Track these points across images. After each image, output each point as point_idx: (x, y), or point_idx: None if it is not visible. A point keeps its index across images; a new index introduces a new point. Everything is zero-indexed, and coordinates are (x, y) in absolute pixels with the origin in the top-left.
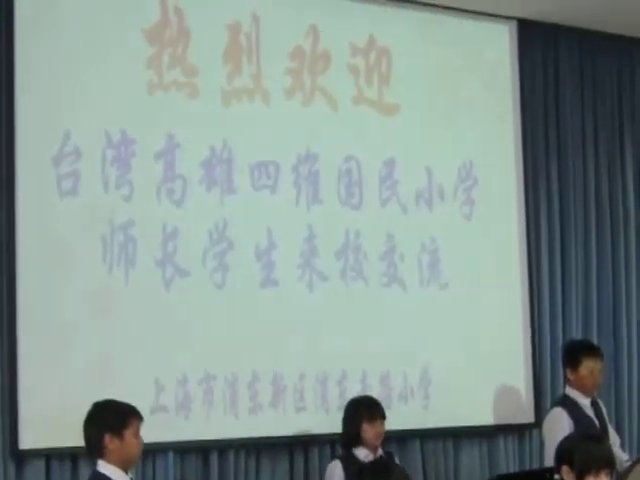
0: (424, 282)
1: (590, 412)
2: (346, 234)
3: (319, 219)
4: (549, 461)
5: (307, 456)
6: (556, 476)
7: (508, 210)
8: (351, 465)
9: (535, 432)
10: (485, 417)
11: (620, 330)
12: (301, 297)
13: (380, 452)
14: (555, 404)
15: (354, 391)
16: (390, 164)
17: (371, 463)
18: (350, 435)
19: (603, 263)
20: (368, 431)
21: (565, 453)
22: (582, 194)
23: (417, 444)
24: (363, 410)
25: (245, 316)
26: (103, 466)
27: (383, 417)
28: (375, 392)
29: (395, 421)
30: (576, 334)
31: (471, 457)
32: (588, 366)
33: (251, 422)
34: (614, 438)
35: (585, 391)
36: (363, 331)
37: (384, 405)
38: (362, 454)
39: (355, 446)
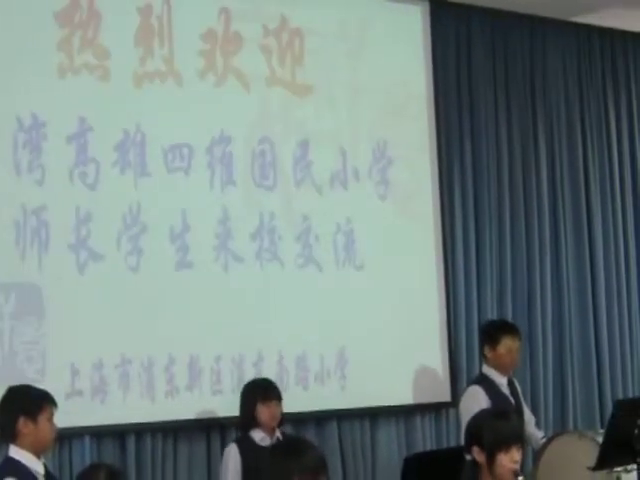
0: (340, 263)
1: (506, 391)
2: (261, 216)
3: (233, 201)
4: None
5: (224, 439)
6: (467, 457)
7: (423, 190)
8: (247, 447)
9: (451, 411)
10: (402, 396)
11: (534, 310)
12: (216, 279)
13: (278, 434)
14: (472, 382)
15: (270, 373)
16: (304, 145)
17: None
18: (246, 417)
19: (517, 243)
20: (263, 412)
21: (473, 433)
22: (495, 173)
23: (334, 425)
24: (258, 391)
25: (160, 299)
26: (15, 451)
27: (279, 398)
28: (292, 374)
29: (312, 402)
30: (491, 315)
31: (388, 436)
32: (506, 345)
33: (168, 405)
34: (529, 417)
35: (502, 370)
36: (279, 312)
37: (301, 386)
38: (258, 436)
39: (251, 428)
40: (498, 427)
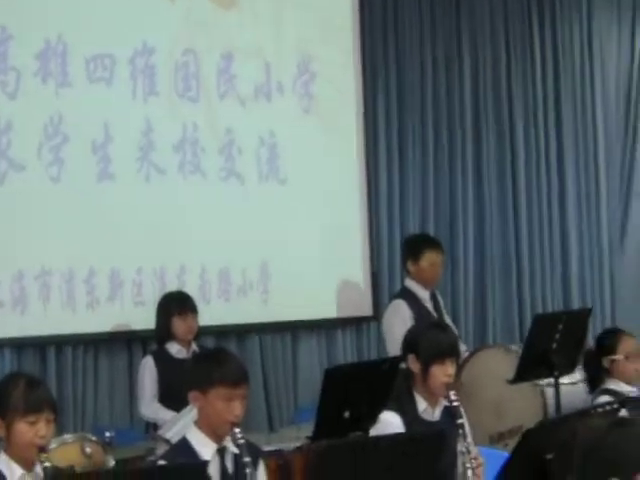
0: (263, 177)
1: (429, 305)
2: (184, 128)
3: (156, 112)
4: (389, 352)
5: (145, 351)
6: (402, 365)
7: (347, 106)
8: (163, 360)
9: (373, 325)
10: (323, 310)
11: (456, 226)
12: (138, 191)
13: (194, 347)
14: (395, 296)
15: (193, 285)
16: (228, 58)
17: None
18: (162, 330)
19: (440, 160)
20: (179, 325)
21: (411, 342)
22: (419, 91)
23: (256, 338)
24: (173, 305)
25: (81, 210)
26: None
27: (194, 311)
28: (214, 286)
29: (234, 315)
30: (413, 230)
31: (309, 350)
32: (429, 258)
33: (89, 317)
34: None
35: (425, 283)
36: (201, 225)
37: (223, 299)
38: (174, 349)
39: (167, 341)
40: (436, 339)
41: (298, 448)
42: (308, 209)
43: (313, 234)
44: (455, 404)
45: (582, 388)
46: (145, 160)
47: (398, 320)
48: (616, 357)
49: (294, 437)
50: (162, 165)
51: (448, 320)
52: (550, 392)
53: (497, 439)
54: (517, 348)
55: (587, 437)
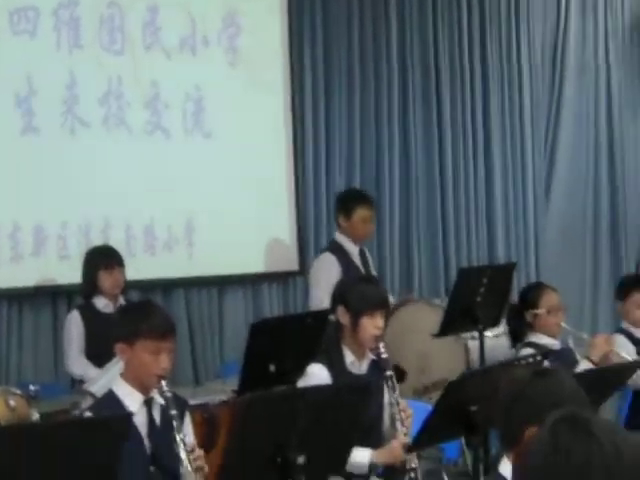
0: (188, 131)
1: (357, 260)
2: (109, 81)
3: (81, 65)
4: (314, 305)
5: (70, 306)
6: (331, 317)
7: (272, 59)
8: (90, 314)
9: (299, 280)
10: (249, 265)
11: (382, 180)
12: (63, 145)
13: (121, 301)
14: (324, 250)
15: (118, 240)
16: (153, 10)
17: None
18: (88, 284)
19: (366, 114)
20: (105, 280)
21: (341, 294)
22: (346, 43)
23: (181, 292)
24: (99, 259)
25: (5, 164)
26: None
27: (121, 265)
28: (139, 241)
29: (159, 270)
30: (340, 185)
31: (235, 304)
32: (361, 214)
33: (12, 272)
34: None
35: (355, 239)
36: (126, 179)
37: (148, 254)
38: (101, 303)
39: (94, 295)
40: (366, 291)
41: (224, 401)
42: (234, 163)
43: (239, 188)
44: (384, 356)
45: (505, 342)
46: (69, 113)
47: (325, 273)
48: (538, 311)
49: (220, 391)
50: (86, 119)
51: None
52: (473, 346)
53: (422, 392)
54: (440, 302)
55: (509, 387)
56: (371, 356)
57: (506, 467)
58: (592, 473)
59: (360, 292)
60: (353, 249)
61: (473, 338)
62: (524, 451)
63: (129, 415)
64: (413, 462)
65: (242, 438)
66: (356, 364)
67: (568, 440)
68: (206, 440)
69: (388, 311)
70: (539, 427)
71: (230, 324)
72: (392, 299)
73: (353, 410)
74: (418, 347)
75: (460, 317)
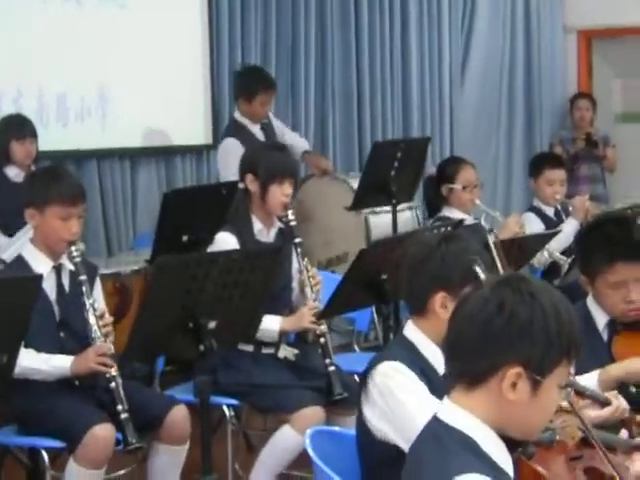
0: (102, 0)
1: (261, 136)
2: None
3: None
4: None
5: None
6: (240, 185)
7: None
8: (1, 184)
9: (213, 153)
10: (163, 138)
11: (298, 55)
12: None
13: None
14: (226, 134)
15: (30, 109)
16: None
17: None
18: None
19: None
20: (17, 149)
21: (250, 162)
22: None
23: (94, 164)
24: (11, 128)
25: None
26: None
27: (33, 135)
28: (52, 111)
29: (72, 142)
30: (255, 58)
31: (149, 177)
32: (262, 99)
33: None
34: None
35: (254, 119)
36: (39, 48)
37: (61, 124)
38: (12, 173)
39: (5, 165)
40: (274, 159)
41: (136, 270)
42: (148, 35)
43: (153, 60)
44: (293, 223)
45: (417, 216)
46: None
47: (232, 159)
48: (454, 186)
49: (133, 262)
50: None
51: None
52: (375, 221)
53: (325, 265)
54: (345, 177)
55: (417, 251)
56: (279, 225)
57: (411, 331)
58: (533, 334)
59: (269, 160)
60: (255, 128)
61: (374, 213)
62: (460, 311)
63: (39, 277)
64: (323, 327)
65: (154, 302)
66: (264, 232)
67: (512, 302)
68: (118, 309)
69: (296, 179)
70: (455, 289)
71: (143, 197)
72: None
73: (263, 276)
74: (322, 221)
75: (374, 191)
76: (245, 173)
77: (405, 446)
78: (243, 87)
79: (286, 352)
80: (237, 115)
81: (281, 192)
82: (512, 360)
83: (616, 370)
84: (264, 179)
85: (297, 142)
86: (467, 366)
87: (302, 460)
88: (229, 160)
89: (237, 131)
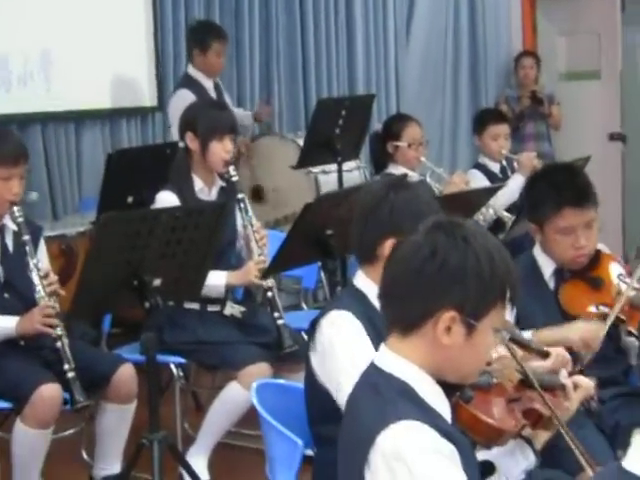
0: None
1: (213, 94)
2: None
3: None
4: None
5: None
6: (180, 144)
7: None
8: None
9: (158, 115)
10: (107, 100)
11: (242, 13)
12: None
13: None
14: (179, 86)
15: None
16: None
17: None
18: None
19: None
20: None
21: (190, 120)
22: None
23: (38, 128)
24: None
25: None
26: None
27: None
28: None
29: (15, 105)
30: (198, 15)
31: (93, 139)
32: (216, 49)
33: None
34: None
35: (209, 73)
36: None
37: (3, 89)
38: None
39: None
40: (214, 116)
41: (82, 232)
42: None
43: (96, 23)
44: (235, 179)
45: (365, 176)
46: None
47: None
48: (400, 143)
49: (78, 224)
50: None
51: (235, 109)
52: (324, 180)
53: (273, 225)
54: (294, 136)
55: (366, 200)
56: (220, 183)
57: (360, 280)
58: (466, 278)
59: (209, 117)
60: (208, 83)
61: (324, 172)
62: (394, 257)
63: None
64: (270, 282)
65: (98, 259)
66: (205, 190)
67: (445, 246)
68: (64, 271)
69: (236, 136)
70: (405, 236)
71: (89, 160)
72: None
73: (207, 233)
74: (270, 181)
75: (319, 149)
76: (185, 132)
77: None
78: (197, 39)
79: (233, 310)
80: (190, 70)
81: (222, 148)
82: (446, 304)
83: (547, 336)
84: (204, 136)
85: (242, 117)
86: (402, 312)
87: (252, 418)
88: (180, 111)
89: (191, 84)
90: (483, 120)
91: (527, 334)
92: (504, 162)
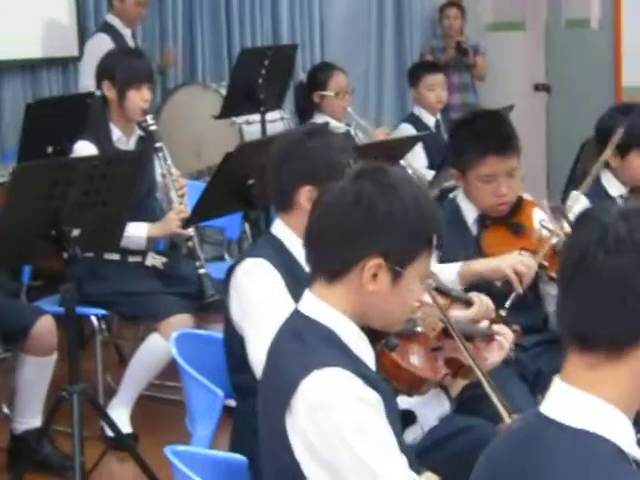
0: None
1: (131, 42)
2: None
3: None
4: (82, 87)
5: None
6: (97, 92)
7: None
8: None
9: (78, 65)
10: (28, 50)
11: None
12: None
13: None
14: (97, 31)
15: None
16: None
17: None
18: None
19: None
20: None
21: (107, 68)
22: None
23: None
24: None
25: None
26: None
27: None
28: None
29: None
30: None
31: (14, 92)
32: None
33: None
34: None
35: (127, 21)
36: None
37: None
38: None
39: None
40: (131, 65)
41: (1, 183)
42: None
43: None
44: (153, 128)
45: (286, 125)
46: None
47: (99, 54)
48: (326, 93)
49: None
50: None
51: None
52: (248, 130)
53: (196, 176)
54: (217, 86)
55: (281, 147)
56: (139, 132)
57: (278, 227)
58: (392, 225)
59: (125, 65)
60: (126, 31)
61: (248, 123)
62: (320, 204)
63: None
64: (190, 231)
65: (14, 208)
66: (123, 140)
67: (371, 193)
68: None
69: (154, 84)
70: (320, 183)
71: (9, 111)
72: None
73: (126, 182)
74: (192, 132)
75: (242, 99)
76: (102, 80)
77: None
78: None
79: (154, 260)
80: (109, 17)
81: (139, 97)
82: (372, 251)
83: (479, 265)
84: (121, 85)
85: None
86: (327, 258)
87: (175, 370)
88: (94, 55)
89: (108, 30)
90: (417, 72)
91: (457, 266)
92: (439, 116)
